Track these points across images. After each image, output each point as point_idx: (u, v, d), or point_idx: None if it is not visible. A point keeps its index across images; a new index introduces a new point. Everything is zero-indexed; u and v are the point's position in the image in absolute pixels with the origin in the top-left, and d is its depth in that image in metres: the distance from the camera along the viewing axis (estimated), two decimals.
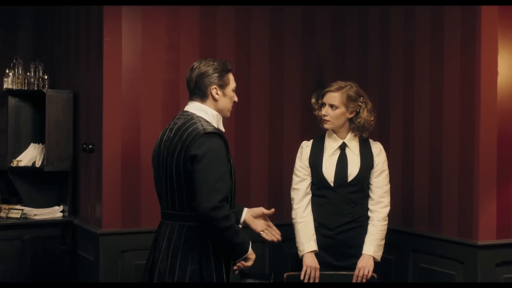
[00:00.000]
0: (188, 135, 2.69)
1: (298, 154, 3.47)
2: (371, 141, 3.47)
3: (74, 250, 4.17)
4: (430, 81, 3.73)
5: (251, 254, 2.82)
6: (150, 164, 3.54)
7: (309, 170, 3.41)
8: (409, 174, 3.89)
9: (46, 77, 4.49)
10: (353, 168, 3.37)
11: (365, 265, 3.32)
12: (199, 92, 2.82)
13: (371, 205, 3.39)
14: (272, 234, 2.98)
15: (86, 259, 3.94)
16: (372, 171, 3.39)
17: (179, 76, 3.76)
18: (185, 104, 3.60)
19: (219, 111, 2.87)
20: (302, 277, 3.29)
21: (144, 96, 3.68)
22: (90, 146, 3.84)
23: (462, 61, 3.50)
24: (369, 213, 3.39)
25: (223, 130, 2.90)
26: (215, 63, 2.82)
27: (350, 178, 3.35)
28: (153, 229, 3.50)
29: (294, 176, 3.45)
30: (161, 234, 2.82)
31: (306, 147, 3.45)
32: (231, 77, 2.86)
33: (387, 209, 3.40)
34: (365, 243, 3.36)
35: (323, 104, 3.37)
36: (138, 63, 3.67)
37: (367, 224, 3.38)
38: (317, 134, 3.53)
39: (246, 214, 2.98)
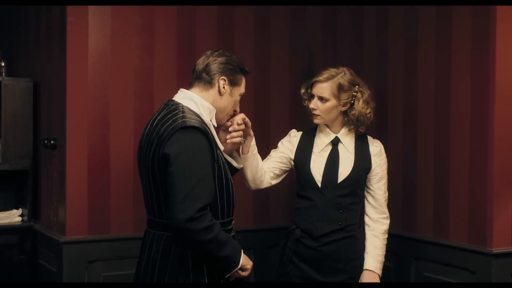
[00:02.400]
0: (164, 130, 2.40)
1: (284, 138, 3.19)
2: (370, 138, 3.15)
3: (34, 259, 3.91)
4: (435, 73, 3.48)
5: (245, 263, 2.51)
6: (120, 163, 3.42)
7: (288, 160, 3.11)
8: (410, 172, 3.63)
9: (3, 64, 4.20)
10: (345, 168, 3.05)
11: (372, 283, 3.02)
12: (206, 77, 2.58)
13: (372, 213, 3.09)
14: (234, 135, 2.71)
15: (48, 270, 3.68)
16: (370, 175, 3.08)
17: (153, 62, 3.53)
18: (160, 94, 3.43)
19: (217, 110, 2.61)
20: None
21: (114, 84, 3.43)
22: (52, 142, 3.60)
23: (473, 52, 3.26)
24: (370, 223, 3.08)
25: (215, 124, 2.61)
26: (233, 57, 2.64)
27: (340, 179, 3.03)
28: (124, 236, 3.38)
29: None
30: (143, 244, 2.58)
31: (294, 136, 3.17)
32: (243, 80, 2.69)
33: (389, 221, 3.13)
34: (368, 257, 3.03)
35: (312, 96, 3.07)
36: (107, 47, 3.42)
37: (358, 234, 3.07)
38: (307, 128, 3.26)
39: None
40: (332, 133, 3.09)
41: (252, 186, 3.03)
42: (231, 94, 2.61)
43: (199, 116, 2.49)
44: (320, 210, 3.03)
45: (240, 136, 2.74)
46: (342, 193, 3.02)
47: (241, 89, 2.66)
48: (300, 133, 3.17)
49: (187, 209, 2.29)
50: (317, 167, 3.05)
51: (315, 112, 3.04)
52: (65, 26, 3.37)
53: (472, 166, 3.27)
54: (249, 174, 2.96)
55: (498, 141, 3.16)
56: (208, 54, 2.61)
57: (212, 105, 2.56)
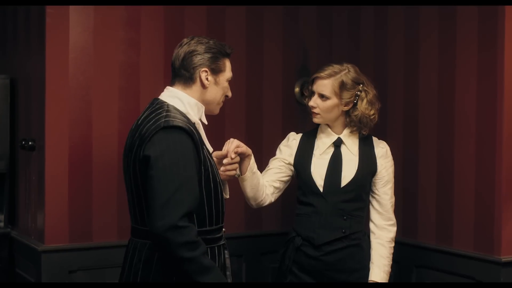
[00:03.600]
0: (146, 130, 2.28)
1: (282, 143, 3.06)
2: (375, 139, 3.01)
3: (11, 268, 3.78)
4: (438, 74, 3.37)
5: None
6: (103, 165, 3.34)
7: (288, 167, 2.98)
8: (411, 175, 3.52)
9: None
10: (349, 171, 2.91)
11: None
12: (185, 73, 2.43)
13: (378, 220, 2.95)
14: (228, 168, 2.61)
15: (25, 280, 3.57)
16: (375, 178, 2.95)
17: (139, 58, 3.42)
18: (146, 92, 3.35)
19: (206, 103, 2.47)
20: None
21: (96, 82, 3.34)
22: (30, 143, 3.50)
23: (480, 53, 3.15)
24: (376, 230, 2.94)
25: (206, 122, 2.49)
26: (210, 42, 2.45)
27: (344, 183, 2.89)
28: (108, 243, 3.31)
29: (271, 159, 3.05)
30: (126, 253, 2.43)
31: (293, 139, 3.03)
32: (227, 63, 2.50)
33: (395, 228, 2.99)
34: (373, 267, 2.88)
35: (312, 93, 2.93)
36: (90, 41, 3.31)
37: (364, 242, 2.93)
38: (303, 129, 3.16)
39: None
40: (334, 134, 2.96)
41: (254, 204, 2.91)
42: (216, 83, 2.46)
43: (185, 116, 2.37)
44: (322, 217, 2.90)
45: (235, 169, 2.64)
46: (345, 198, 2.88)
47: (227, 74, 2.50)
48: (300, 135, 3.04)
49: (169, 215, 2.14)
50: (318, 171, 2.92)
51: (315, 110, 2.92)
52: (44, 19, 3.25)
53: (478, 168, 3.15)
54: (249, 193, 2.84)
55: (507, 142, 3.05)
56: (183, 44, 2.46)
57: (199, 100, 2.44)
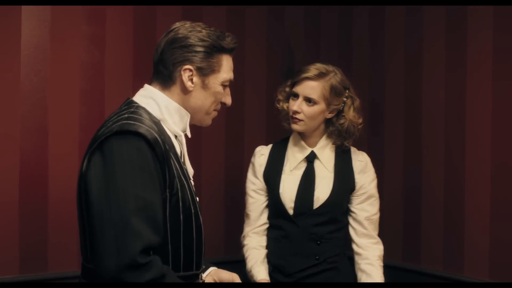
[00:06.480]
0: (97, 137, 1.87)
1: (250, 165, 2.84)
2: (353, 151, 2.79)
3: None
4: (445, 78, 3.19)
5: None
6: (62, 182, 3.13)
7: (264, 196, 2.79)
8: (413, 191, 3.34)
9: None
10: (323, 190, 2.69)
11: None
12: (163, 69, 1.99)
13: (359, 240, 2.72)
14: None
15: None
16: (353, 195, 2.74)
17: (104, 56, 3.24)
18: (112, 96, 3.20)
19: (191, 111, 2.02)
20: None
21: (54, 83, 3.13)
22: None
23: (495, 56, 2.96)
24: (360, 250, 2.72)
25: (189, 135, 2.06)
26: (203, 31, 1.98)
27: (317, 205, 2.68)
28: (66, 274, 3.09)
29: (246, 196, 2.84)
30: None
31: (260, 155, 2.81)
32: (225, 61, 2.02)
33: (382, 246, 2.75)
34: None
35: (294, 95, 2.70)
36: (46, 36, 3.10)
37: (341, 264, 2.74)
38: (288, 135, 2.94)
39: (209, 276, 2.15)
40: (307, 147, 2.74)
41: None
42: (205, 86, 1.99)
43: (157, 123, 1.94)
44: (293, 243, 2.71)
45: None
46: (319, 221, 2.68)
47: (222, 75, 2.01)
48: (269, 147, 2.82)
49: (123, 250, 1.72)
50: (288, 191, 2.71)
51: (298, 116, 2.67)
52: None
53: (494, 185, 2.95)
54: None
55: None
56: (170, 30, 2.03)
57: (183, 106, 2.01)
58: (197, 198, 1.98)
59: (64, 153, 3.10)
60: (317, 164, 2.72)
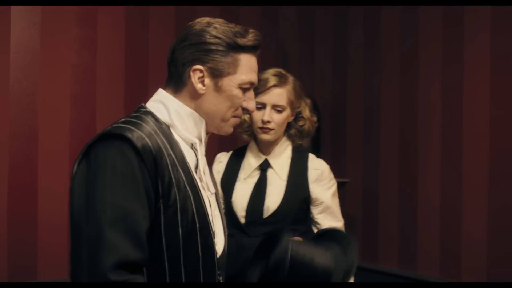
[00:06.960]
0: (88, 143, 1.78)
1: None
2: (311, 158, 2.69)
3: None
4: (441, 83, 3.19)
5: None
6: (52, 189, 3.09)
7: (223, 194, 2.74)
8: (410, 198, 3.33)
9: None
10: (273, 199, 2.61)
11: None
12: (174, 71, 1.80)
13: None
14: None
15: None
16: (312, 205, 2.66)
17: (95, 59, 3.26)
18: (103, 100, 3.16)
19: (206, 116, 1.82)
20: None
21: (44, 87, 3.14)
22: None
23: (492, 59, 2.95)
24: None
25: (203, 141, 1.87)
26: (221, 27, 1.77)
27: (267, 214, 2.59)
28: (55, 281, 3.05)
29: None
30: None
31: (218, 162, 2.71)
32: (244, 61, 1.79)
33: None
34: None
35: (260, 105, 2.61)
36: (36, 39, 3.12)
37: None
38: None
39: None
40: (261, 155, 2.67)
41: None
42: (218, 89, 1.79)
43: (164, 130, 1.78)
44: (246, 253, 2.58)
45: None
46: (269, 231, 2.59)
47: (240, 76, 1.79)
48: (229, 154, 2.74)
49: (93, 266, 1.56)
50: (240, 199, 2.64)
51: (269, 125, 2.58)
52: None
53: (491, 192, 2.95)
54: None
55: None
56: (186, 27, 1.85)
57: (196, 112, 1.82)
58: (215, 212, 1.81)
59: (54, 159, 3.06)
60: (270, 173, 2.67)
